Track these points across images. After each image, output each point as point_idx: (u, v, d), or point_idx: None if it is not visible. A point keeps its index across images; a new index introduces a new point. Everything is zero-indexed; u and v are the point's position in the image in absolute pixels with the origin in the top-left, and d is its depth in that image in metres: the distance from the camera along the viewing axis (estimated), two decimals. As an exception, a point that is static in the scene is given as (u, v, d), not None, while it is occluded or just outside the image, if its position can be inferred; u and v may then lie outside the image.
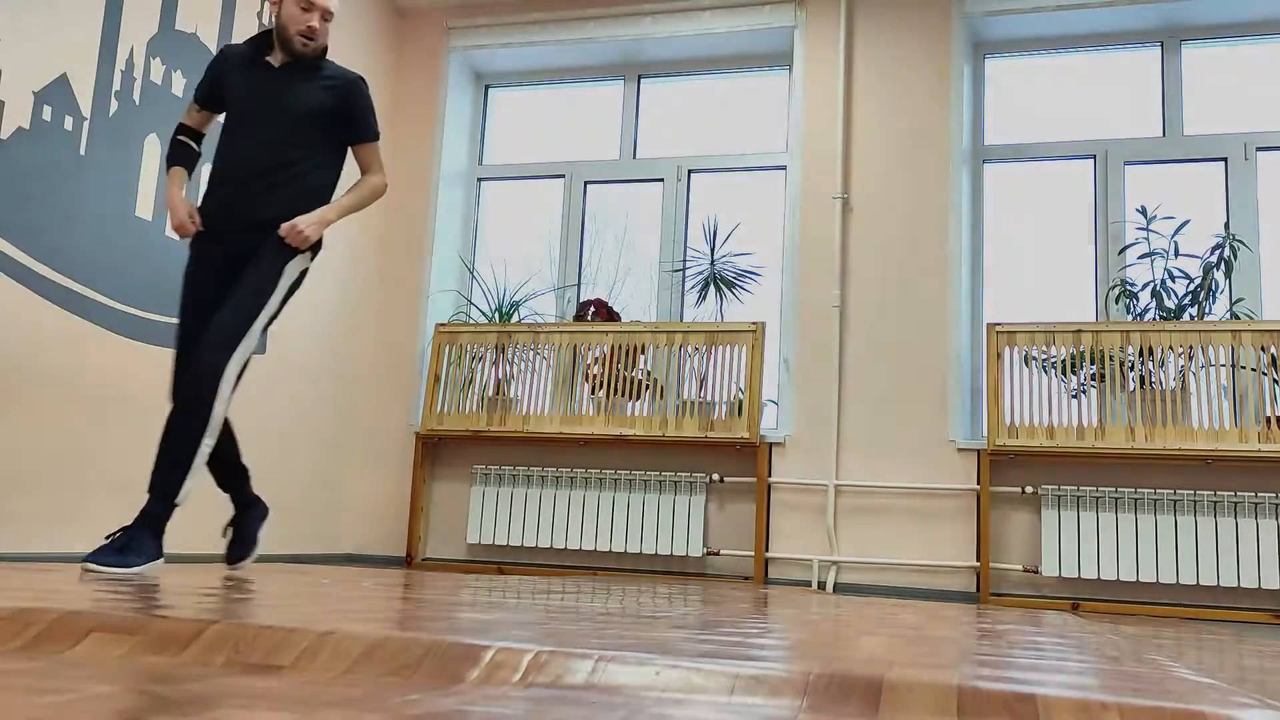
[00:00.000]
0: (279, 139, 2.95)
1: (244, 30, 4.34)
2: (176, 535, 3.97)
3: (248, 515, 3.10)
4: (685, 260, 5.04)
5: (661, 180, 5.22)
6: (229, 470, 3.03)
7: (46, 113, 3.39)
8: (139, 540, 2.64)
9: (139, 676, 1.06)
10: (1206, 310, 4.24)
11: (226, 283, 2.87)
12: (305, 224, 2.88)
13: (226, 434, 2.94)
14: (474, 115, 5.57)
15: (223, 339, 2.74)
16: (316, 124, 2.99)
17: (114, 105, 3.67)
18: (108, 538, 2.65)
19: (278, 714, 0.88)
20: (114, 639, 1.25)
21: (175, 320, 3.00)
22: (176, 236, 2.95)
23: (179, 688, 1.00)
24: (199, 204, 2.98)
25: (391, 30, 5.41)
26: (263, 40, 3.03)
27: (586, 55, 5.32)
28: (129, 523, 2.70)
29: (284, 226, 2.87)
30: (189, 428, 2.73)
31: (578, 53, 5.30)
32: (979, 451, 4.31)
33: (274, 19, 2.99)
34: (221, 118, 3.07)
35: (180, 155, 3.01)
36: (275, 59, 3.00)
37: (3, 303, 3.24)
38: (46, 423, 3.41)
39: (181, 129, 3.04)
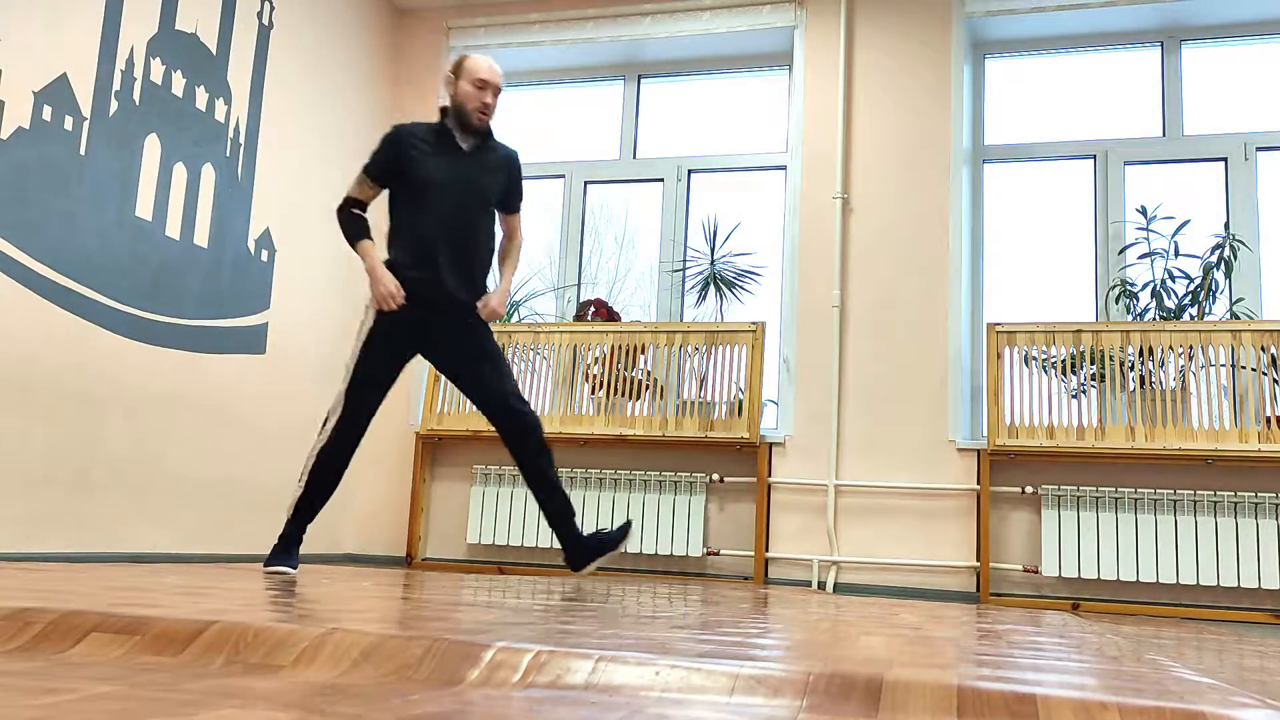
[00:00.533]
0: (473, 219, 3.24)
1: (243, 30, 4.34)
2: (178, 537, 3.97)
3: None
4: (685, 260, 5.04)
5: (661, 180, 5.22)
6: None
7: (46, 113, 3.39)
8: (585, 551, 3.30)
9: (139, 676, 1.06)
10: (1206, 310, 4.24)
11: (413, 348, 3.28)
12: (496, 303, 3.26)
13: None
14: (474, 115, 5.56)
15: (520, 393, 3.31)
16: (495, 202, 3.31)
17: (114, 105, 3.67)
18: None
19: (278, 714, 0.88)
20: (114, 639, 1.25)
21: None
22: (381, 307, 3.15)
23: (179, 688, 1.00)
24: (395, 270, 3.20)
25: (391, 30, 5.41)
26: (441, 120, 3.25)
27: (586, 55, 5.32)
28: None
29: (481, 309, 3.25)
30: (549, 463, 3.31)
31: (578, 53, 5.30)
32: (979, 451, 4.31)
33: (450, 97, 3.24)
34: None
35: (364, 228, 3.23)
36: (464, 142, 3.24)
37: (3, 303, 3.24)
38: (46, 423, 3.41)
39: (354, 203, 3.24)
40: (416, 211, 3.16)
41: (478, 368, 3.25)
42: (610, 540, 3.31)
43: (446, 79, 3.25)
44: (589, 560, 3.30)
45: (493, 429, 3.34)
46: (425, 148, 3.19)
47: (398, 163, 3.18)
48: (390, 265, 3.16)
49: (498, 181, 3.28)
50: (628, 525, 3.37)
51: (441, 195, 3.16)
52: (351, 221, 3.22)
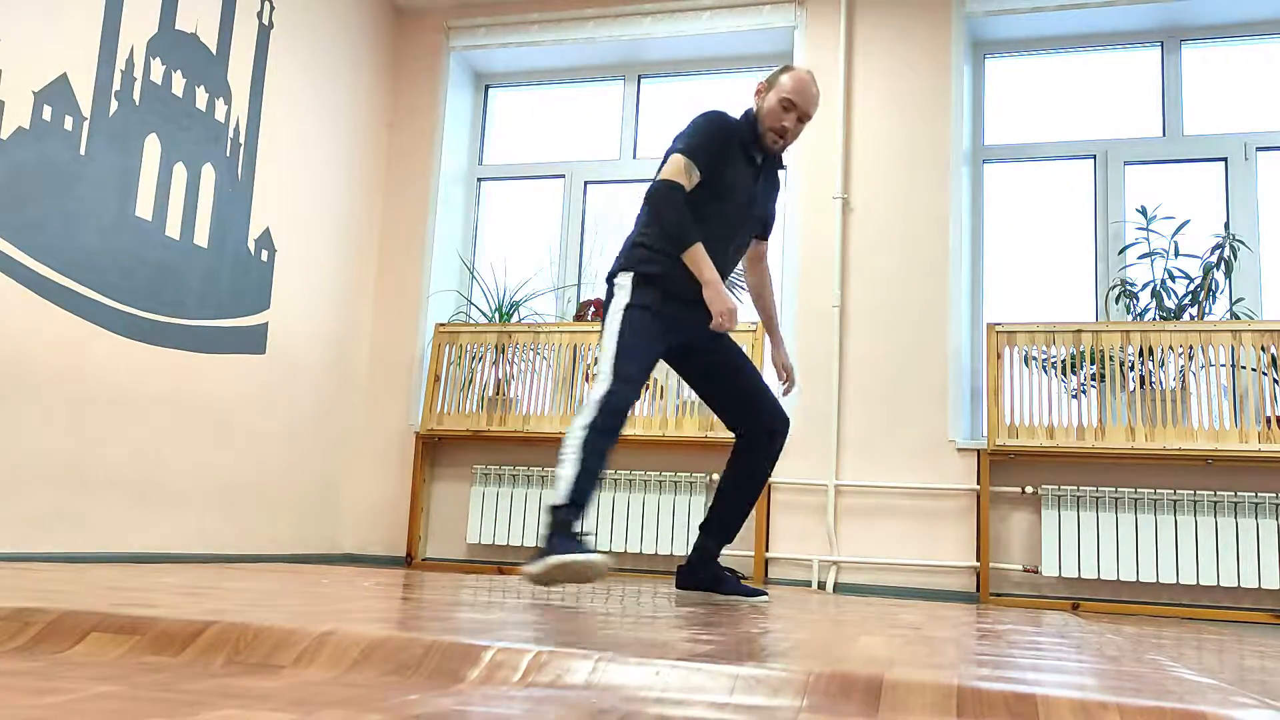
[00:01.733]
0: (743, 241, 2.96)
1: (243, 30, 4.34)
2: (178, 537, 3.97)
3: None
4: (685, 260, 5.03)
5: (661, 180, 5.21)
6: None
7: (46, 113, 3.39)
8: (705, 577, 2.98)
9: (139, 676, 1.06)
10: (1206, 310, 4.24)
11: (671, 348, 2.90)
12: (786, 360, 3.16)
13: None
14: (474, 115, 5.57)
15: None
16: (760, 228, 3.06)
17: (114, 105, 3.67)
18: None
19: (278, 714, 0.88)
20: (114, 639, 1.24)
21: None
22: (725, 328, 2.73)
23: (179, 688, 1.00)
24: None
25: (391, 30, 5.41)
26: (750, 124, 2.91)
27: (586, 55, 5.32)
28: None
29: (785, 373, 3.12)
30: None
31: (578, 53, 5.30)
32: (979, 451, 4.31)
33: (756, 107, 2.92)
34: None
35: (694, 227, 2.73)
36: (758, 154, 2.92)
37: (3, 303, 3.24)
38: (46, 423, 3.41)
39: (682, 191, 2.74)
40: (709, 216, 2.79)
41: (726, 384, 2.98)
42: (734, 588, 2.94)
43: (760, 85, 2.92)
44: (697, 587, 2.96)
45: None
46: (737, 148, 2.85)
47: (720, 156, 2.80)
48: (665, 263, 2.78)
49: (773, 205, 3.03)
50: (760, 593, 2.96)
51: (732, 205, 2.84)
52: (687, 217, 2.70)
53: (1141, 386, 4.09)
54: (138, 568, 2.92)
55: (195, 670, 1.12)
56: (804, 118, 2.88)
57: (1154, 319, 4.29)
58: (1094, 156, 4.71)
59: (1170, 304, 4.29)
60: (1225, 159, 4.54)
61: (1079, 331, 4.21)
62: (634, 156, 5.29)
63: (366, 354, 5.19)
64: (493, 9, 5.34)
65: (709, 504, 3.15)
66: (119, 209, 3.69)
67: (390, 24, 5.41)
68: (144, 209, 3.80)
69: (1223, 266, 4.23)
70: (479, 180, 5.53)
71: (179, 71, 3.97)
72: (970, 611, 3.11)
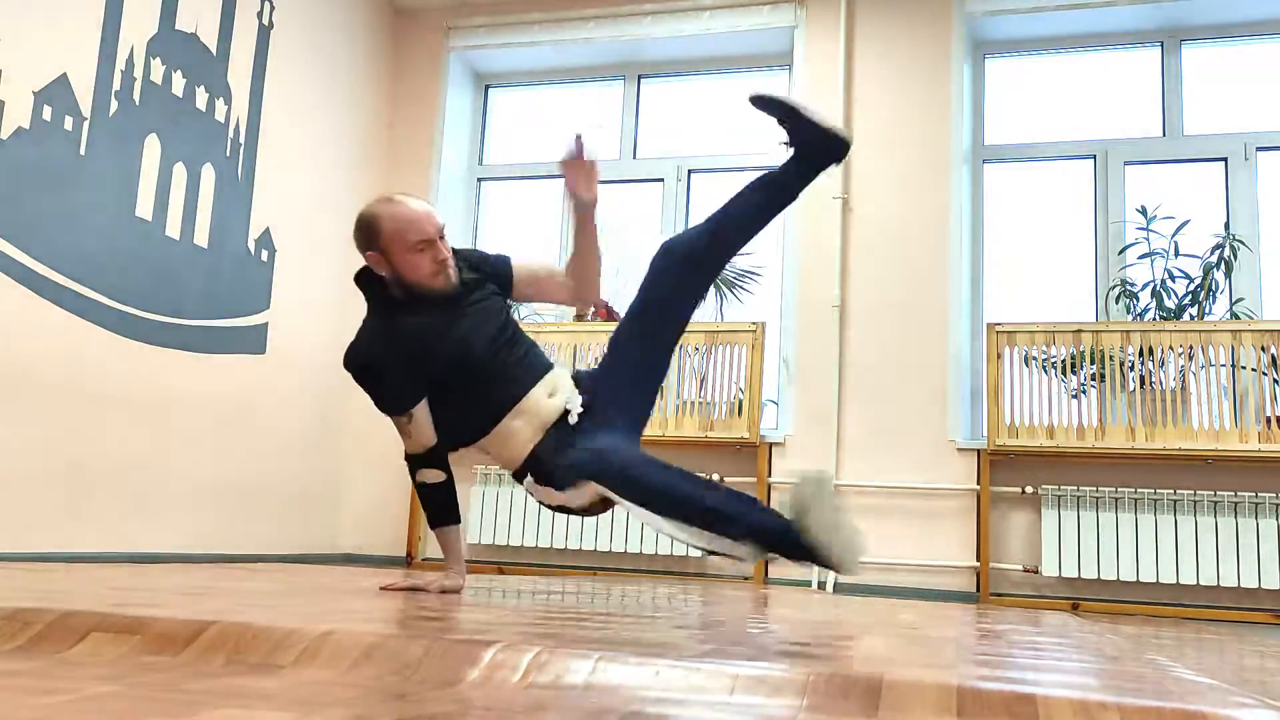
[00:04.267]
0: (494, 353, 2.83)
1: (244, 30, 4.34)
2: (178, 537, 3.97)
3: None
4: (685, 260, 5.03)
5: (661, 180, 5.22)
6: None
7: (46, 113, 3.39)
8: None
9: (139, 676, 1.06)
10: (1206, 310, 4.24)
11: None
12: None
13: None
14: (474, 115, 5.57)
15: None
16: None
17: (114, 105, 3.67)
18: None
19: (278, 714, 0.88)
20: (114, 639, 1.25)
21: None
22: None
23: (179, 688, 1.00)
24: None
25: (391, 30, 5.41)
26: (403, 299, 2.83)
27: (586, 55, 5.32)
28: None
29: None
30: None
31: (578, 53, 5.30)
32: (979, 451, 4.31)
33: (387, 275, 2.71)
34: None
35: None
36: (437, 306, 2.79)
37: (3, 303, 3.24)
38: (46, 423, 3.41)
39: (420, 459, 2.84)
40: (451, 393, 2.82)
41: None
42: None
43: (370, 255, 2.64)
44: None
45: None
46: (408, 336, 2.73)
47: (402, 368, 2.81)
48: None
49: (493, 299, 2.83)
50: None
51: (453, 366, 2.73)
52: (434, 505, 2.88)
53: (1141, 386, 4.09)
54: (138, 568, 2.92)
55: (195, 670, 1.12)
56: (440, 233, 2.52)
57: (1154, 319, 4.29)
58: (1094, 156, 4.71)
59: (1170, 304, 4.29)
60: (1225, 159, 4.54)
61: (1079, 331, 4.21)
62: (634, 156, 5.29)
63: (366, 354, 5.18)
64: (493, 9, 5.34)
65: None
66: (119, 209, 3.69)
67: (390, 24, 5.40)
68: (144, 209, 3.80)
69: (1223, 266, 4.23)
70: (479, 180, 5.52)
71: (179, 71, 3.97)
72: (970, 611, 3.11)
